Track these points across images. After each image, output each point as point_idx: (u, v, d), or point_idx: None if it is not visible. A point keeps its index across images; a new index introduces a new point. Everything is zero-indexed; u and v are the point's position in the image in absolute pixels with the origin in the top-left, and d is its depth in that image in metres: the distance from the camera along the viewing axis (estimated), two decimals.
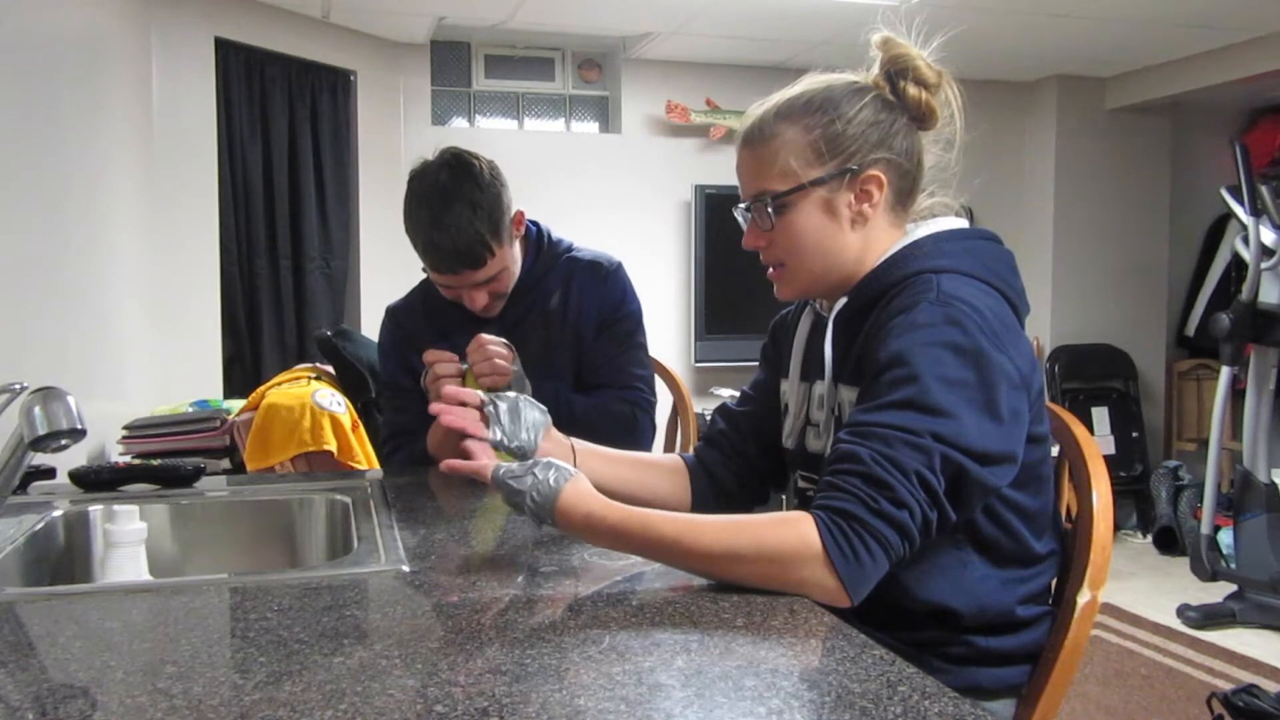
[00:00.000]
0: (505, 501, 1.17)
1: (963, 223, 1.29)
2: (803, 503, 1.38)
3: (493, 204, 1.72)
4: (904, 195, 1.28)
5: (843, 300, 1.28)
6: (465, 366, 1.68)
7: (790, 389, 1.39)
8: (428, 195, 1.72)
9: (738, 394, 1.55)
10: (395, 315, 1.97)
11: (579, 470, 1.17)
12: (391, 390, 1.93)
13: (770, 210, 1.25)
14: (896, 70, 1.25)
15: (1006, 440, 1.12)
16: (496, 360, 1.62)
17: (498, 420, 1.37)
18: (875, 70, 1.28)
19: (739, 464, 1.48)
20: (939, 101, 1.26)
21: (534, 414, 1.41)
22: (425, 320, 1.93)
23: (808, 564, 1.04)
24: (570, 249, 1.94)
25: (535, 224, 1.95)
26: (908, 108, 1.25)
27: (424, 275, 1.99)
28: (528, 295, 1.89)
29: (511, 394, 1.42)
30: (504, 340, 1.66)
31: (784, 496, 1.44)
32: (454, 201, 1.69)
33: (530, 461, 1.17)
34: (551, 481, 1.13)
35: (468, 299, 1.79)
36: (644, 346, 1.95)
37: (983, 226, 1.32)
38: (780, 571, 1.05)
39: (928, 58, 1.26)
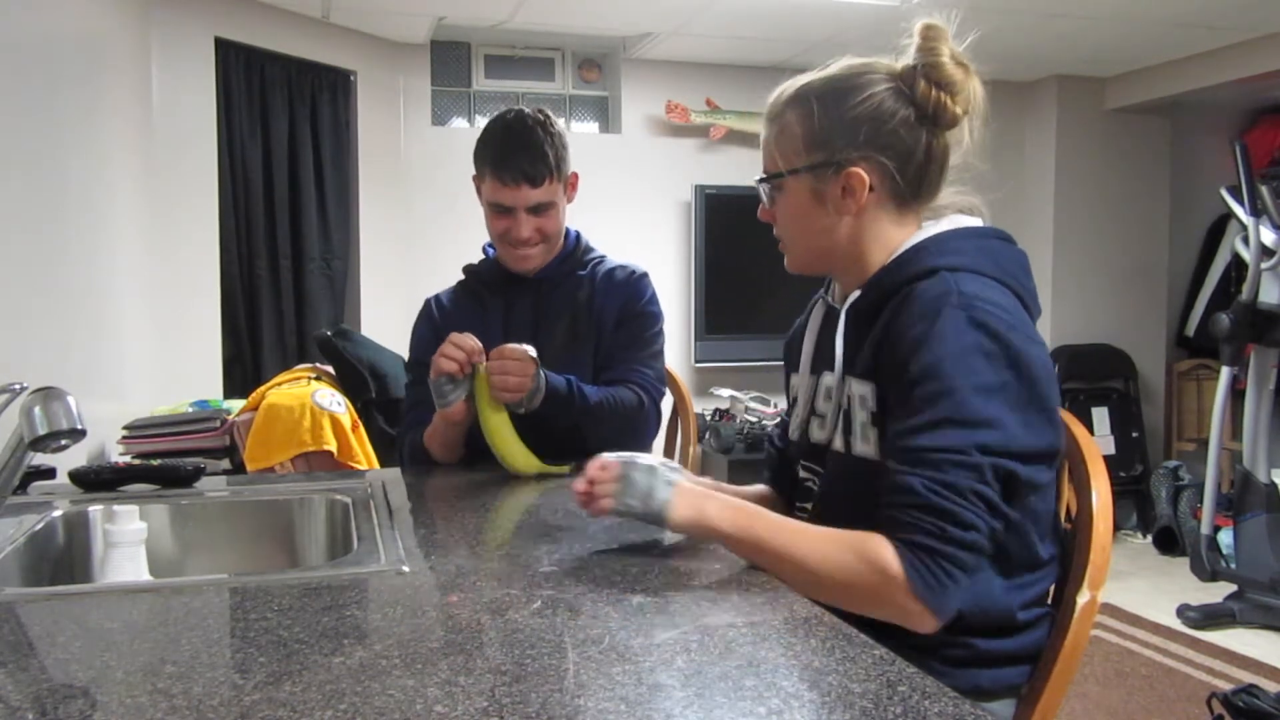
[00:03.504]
0: (621, 493, 1.22)
1: (975, 221, 1.29)
2: (803, 494, 1.39)
3: (560, 145, 1.89)
4: (912, 190, 1.26)
5: (856, 293, 1.28)
6: (476, 365, 1.75)
7: (800, 382, 1.40)
8: (510, 121, 1.89)
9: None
10: (435, 299, 2.09)
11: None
12: (418, 369, 1.96)
13: (765, 189, 1.31)
14: (923, 65, 1.23)
15: (1051, 432, 1.14)
16: (509, 377, 1.71)
17: (628, 491, 1.24)
18: (910, 58, 1.25)
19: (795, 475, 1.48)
20: (961, 101, 1.24)
21: (670, 474, 1.30)
22: (463, 308, 2.03)
23: (894, 595, 1.09)
24: (602, 258, 2.05)
25: (573, 230, 2.05)
26: (917, 106, 1.24)
27: (460, 279, 2.09)
28: (557, 289, 1.98)
29: (647, 460, 1.29)
30: (528, 352, 1.74)
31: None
32: (533, 128, 1.87)
33: (649, 464, 1.24)
34: (670, 479, 1.22)
35: (515, 227, 1.89)
36: (659, 348, 2.01)
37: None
38: (865, 599, 1.11)
39: (960, 52, 1.24)
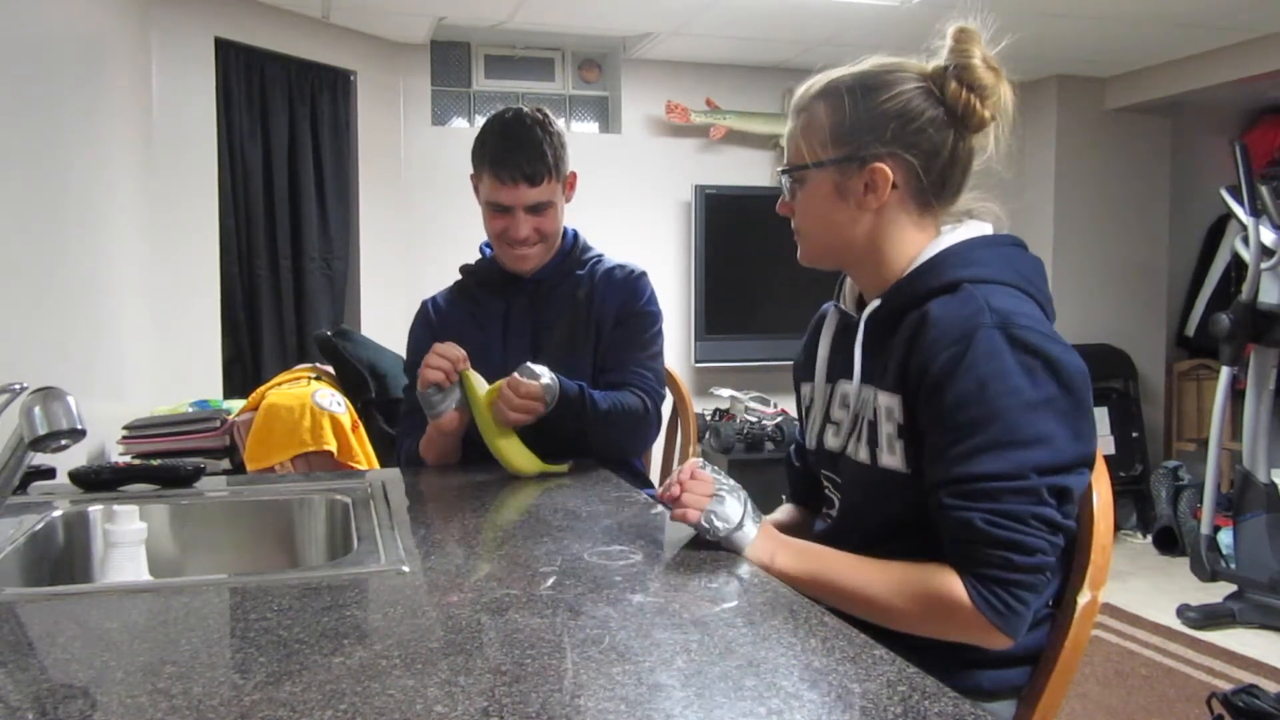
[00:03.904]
0: (711, 511, 1.23)
1: (988, 228, 1.28)
2: (826, 501, 1.39)
3: (559, 144, 1.89)
4: (935, 190, 1.26)
5: (876, 303, 1.28)
6: (464, 370, 1.76)
7: (816, 390, 1.40)
8: (508, 119, 1.90)
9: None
10: (431, 302, 2.09)
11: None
12: (416, 372, 1.96)
13: (787, 181, 1.31)
14: (954, 66, 1.23)
15: (1094, 435, 1.15)
16: (512, 414, 1.72)
17: (719, 513, 1.26)
18: (942, 60, 1.25)
19: (819, 490, 1.48)
20: (990, 104, 1.23)
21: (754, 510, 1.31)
22: (459, 310, 2.03)
23: (967, 625, 1.11)
24: (600, 257, 2.05)
25: (570, 229, 2.05)
26: (946, 107, 1.23)
27: (456, 279, 2.08)
28: (555, 289, 1.98)
29: (741, 491, 1.30)
30: (542, 391, 1.72)
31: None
32: (531, 127, 1.88)
33: (743, 494, 1.26)
34: (756, 516, 1.25)
35: (513, 226, 1.89)
36: (659, 348, 2.01)
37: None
38: (936, 629, 1.14)
39: (992, 56, 1.23)
